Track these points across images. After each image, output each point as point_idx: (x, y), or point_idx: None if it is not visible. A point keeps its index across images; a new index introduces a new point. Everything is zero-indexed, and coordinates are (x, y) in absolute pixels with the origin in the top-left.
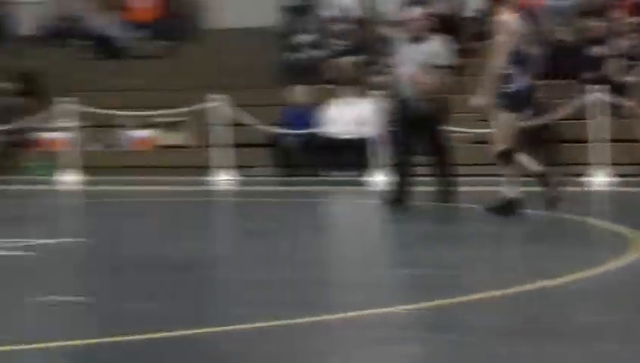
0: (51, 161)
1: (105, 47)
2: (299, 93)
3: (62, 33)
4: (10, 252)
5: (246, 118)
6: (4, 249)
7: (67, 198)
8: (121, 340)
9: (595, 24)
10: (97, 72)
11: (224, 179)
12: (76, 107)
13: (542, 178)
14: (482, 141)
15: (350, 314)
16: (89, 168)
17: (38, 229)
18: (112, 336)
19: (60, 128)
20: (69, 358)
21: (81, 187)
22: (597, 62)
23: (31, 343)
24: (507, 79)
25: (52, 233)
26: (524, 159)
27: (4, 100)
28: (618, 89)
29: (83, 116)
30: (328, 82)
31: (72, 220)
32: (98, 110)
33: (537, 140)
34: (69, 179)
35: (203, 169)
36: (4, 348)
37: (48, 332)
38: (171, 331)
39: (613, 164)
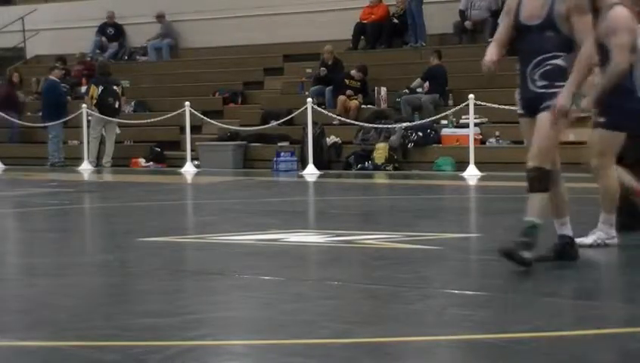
0: (454, 157)
1: (512, 43)
2: None
3: (470, 30)
4: (417, 245)
5: None
6: (412, 243)
7: (470, 193)
8: (540, 336)
9: None
10: (502, 68)
11: None
12: (479, 104)
13: None
14: None
15: None
16: (491, 163)
17: (443, 224)
18: (527, 332)
19: (464, 124)
20: (484, 351)
21: (482, 183)
22: None
23: (435, 335)
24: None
25: (457, 228)
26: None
27: (413, 99)
28: None
29: (486, 112)
30: None
31: (475, 215)
32: (501, 106)
33: None
34: (471, 175)
35: None
36: (410, 338)
37: (450, 325)
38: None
39: None
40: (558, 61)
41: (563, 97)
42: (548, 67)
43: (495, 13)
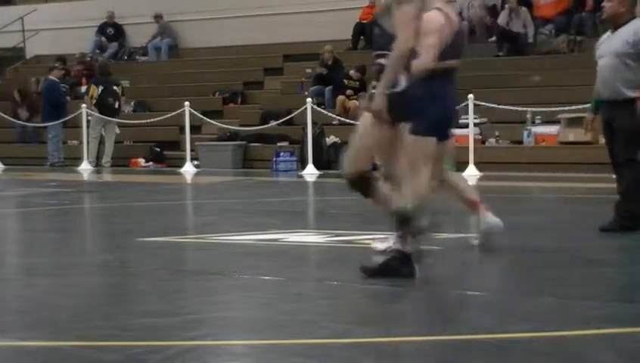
0: (454, 156)
1: (511, 43)
2: None
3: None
4: None
5: None
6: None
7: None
8: (528, 336)
9: None
10: (501, 69)
11: None
12: (478, 103)
13: None
14: None
15: None
16: (489, 163)
17: (443, 224)
18: (519, 332)
19: (464, 124)
20: (475, 350)
21: (481, 183)
22: None
23: (435, 335)
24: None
25: (455, 228)
26: None
27: None
28: None
29: (485, 112)
30: None
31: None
32: (501, 106)
33: None
34: (471, 175)
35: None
36: (419, 338)
37: (451, 325)
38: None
39: None
40: (382, 60)
41: (376, 103)
42: (376, 66)
43: (493, 11)
